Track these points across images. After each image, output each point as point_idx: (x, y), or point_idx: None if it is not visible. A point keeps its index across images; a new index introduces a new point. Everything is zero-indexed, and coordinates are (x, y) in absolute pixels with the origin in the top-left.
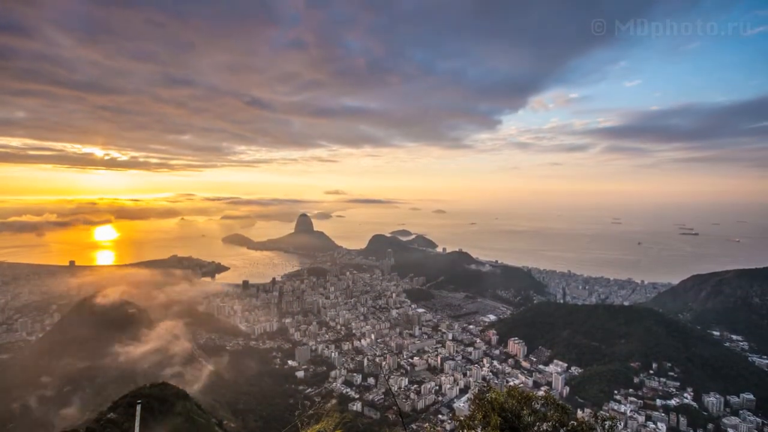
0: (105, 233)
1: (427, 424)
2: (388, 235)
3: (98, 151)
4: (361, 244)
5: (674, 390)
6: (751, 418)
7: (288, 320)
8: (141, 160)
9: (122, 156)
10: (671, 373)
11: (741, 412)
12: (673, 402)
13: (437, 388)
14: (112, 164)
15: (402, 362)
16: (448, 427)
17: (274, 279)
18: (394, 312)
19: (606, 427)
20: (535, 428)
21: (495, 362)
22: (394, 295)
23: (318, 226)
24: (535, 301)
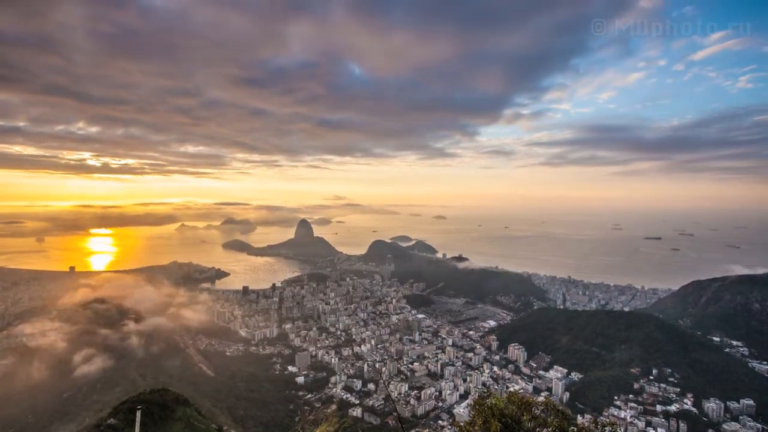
0: (105, 239)
1: (427, 430)
2: (388, 241)
3: (100, 159)
4: (361, 250)
5: (674, 396)
6: (752, 423)
7: (288, 326)
8: (142, 167)
9: (123, 163)
10: (671, 379)
11: (741, 417)
12: (673, 408)
13: (437, 393)
14: (112, 171)
15: (402, 368)
16: None
17: (274, 285)
18: (394, 318)
19: None
20: None
21: (495, 368)
22: (394, 300)
23: (318, 231)
24: (535, 307)
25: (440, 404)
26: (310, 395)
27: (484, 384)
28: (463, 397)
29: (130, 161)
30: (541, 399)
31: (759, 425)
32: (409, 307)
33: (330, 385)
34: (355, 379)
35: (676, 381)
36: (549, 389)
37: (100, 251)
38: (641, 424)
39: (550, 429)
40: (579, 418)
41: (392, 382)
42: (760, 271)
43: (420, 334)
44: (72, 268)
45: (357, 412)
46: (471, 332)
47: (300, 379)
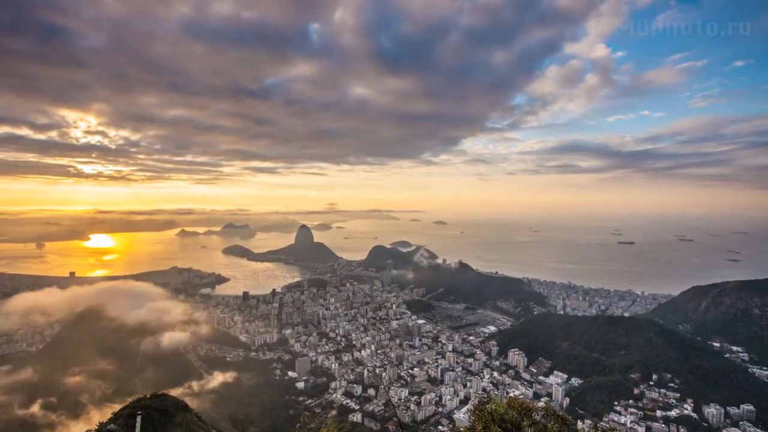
0: (106, 244)
1: None
2: (388, 247)
3: (101, 165)
4: (362, 255)
5: (674, 401)
6: (752, 429)
7: (288, 331)
8: (143, 173)
9: (124, 169)
10: (671, 384)
11: (741, 423)
12: (673, 413)
13: (437, 399)
14: (113, 177)
15: (402, 373)
16: None
17: (274, 290)
18: (394, 323)
19: None
20: None
21: (495, 373)
22: (394, 306)
23: (318, 237)
24: (535, 313)
25: (440, 409)
26: (310, 401)
27: (484, 389)
28: (463, 402)
29: (132, 168)
30: (541, 404)
31: (759, 431)
32: (409, 312)
33: (330, 391)
34: (355, 385)
35: (676, 386)
36: (549, 394)
37: (100, 257)
38: (641, 430)
39: None
40: (579, 423)
41: (392, 388)
42: (760, 276)
43: (420, 340)
44: (72, 274)
45: (357, 417)
46: (471, 337)
47: (300, 385)
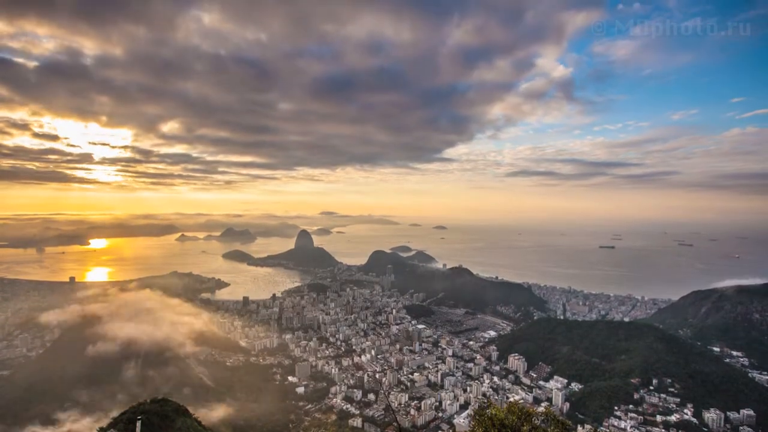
0: (105, 250)
1: None
2: (389, 251)
3: (102, 171)
4: (362, 260)
5: (674, 406)
6: None
7: (288, 336)
8: (143, 179)
9: (125, 175)
10: (671, 389)
11: (741, 428)
12: (673, 418)
13: (437, 404)
14: (114, 183)
15: (402, 378)
16: None
17: (274, 295)
18: (394, 328)
19: None
20: None
21: (495, 378)
22: (394, 311)
23: (318, 242)
24: (535, 317)
25: (440, 414)
26: (310, 405)
27: (484, 394)
28: (464, 407)
29: (133, 174)
30: (541, 409)
31: None
32: (409, 317)
33: (330, 396)
34: (355, 390)
35: (676, 391)
36: (549, 399)
37: (100, 262)
38: None
39: None
40: (579, 428)
41: (392, 393)
42: (760, 281)
43: (420, 345)
44: (72, 279)
45: (357, 422)
46: (471, 342)
47: (300, 390)
